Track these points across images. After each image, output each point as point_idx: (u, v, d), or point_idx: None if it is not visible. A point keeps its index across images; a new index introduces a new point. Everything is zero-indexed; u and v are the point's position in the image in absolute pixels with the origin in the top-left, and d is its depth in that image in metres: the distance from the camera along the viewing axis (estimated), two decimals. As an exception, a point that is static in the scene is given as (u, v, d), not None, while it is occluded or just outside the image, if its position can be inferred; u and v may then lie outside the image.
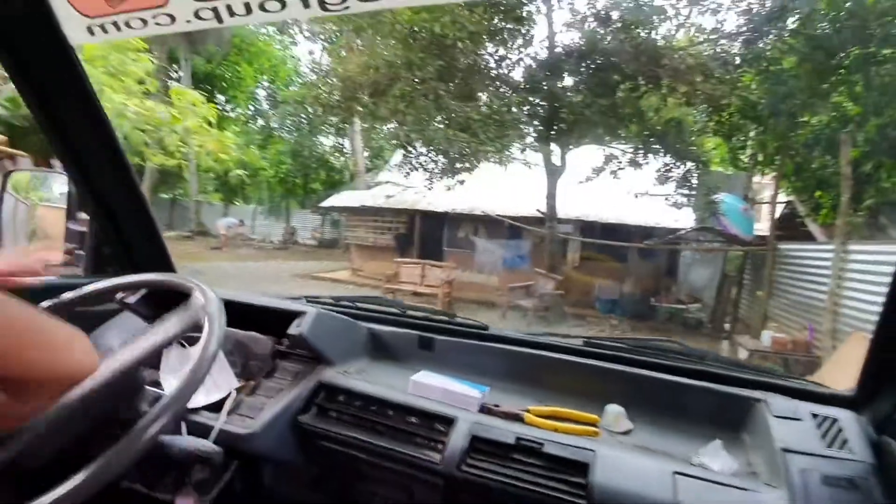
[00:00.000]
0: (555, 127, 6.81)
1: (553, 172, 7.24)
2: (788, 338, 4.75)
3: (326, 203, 11.98)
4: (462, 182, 7.56)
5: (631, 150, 7.01)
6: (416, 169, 7.68)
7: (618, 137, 7.25)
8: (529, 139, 7.44)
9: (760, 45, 5.83)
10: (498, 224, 8.59)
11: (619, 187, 7.35)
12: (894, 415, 0.65)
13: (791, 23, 5.52)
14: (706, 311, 7.12)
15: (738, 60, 6.01)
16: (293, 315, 0.97)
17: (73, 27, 0.84)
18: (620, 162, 7.10)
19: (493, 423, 0.77)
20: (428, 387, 0.86)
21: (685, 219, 7.23)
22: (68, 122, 0.88)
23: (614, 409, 0.80)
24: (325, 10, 0.74)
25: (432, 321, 1.14)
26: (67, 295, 0.71)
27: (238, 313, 0.98)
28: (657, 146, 6.65)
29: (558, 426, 0.77)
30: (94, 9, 0.83)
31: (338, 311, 1.14)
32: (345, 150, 16.72)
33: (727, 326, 6.57)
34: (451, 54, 6.36)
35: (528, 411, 0.81)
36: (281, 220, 17.57)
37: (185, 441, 0.75)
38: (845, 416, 0.70)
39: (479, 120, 6.33)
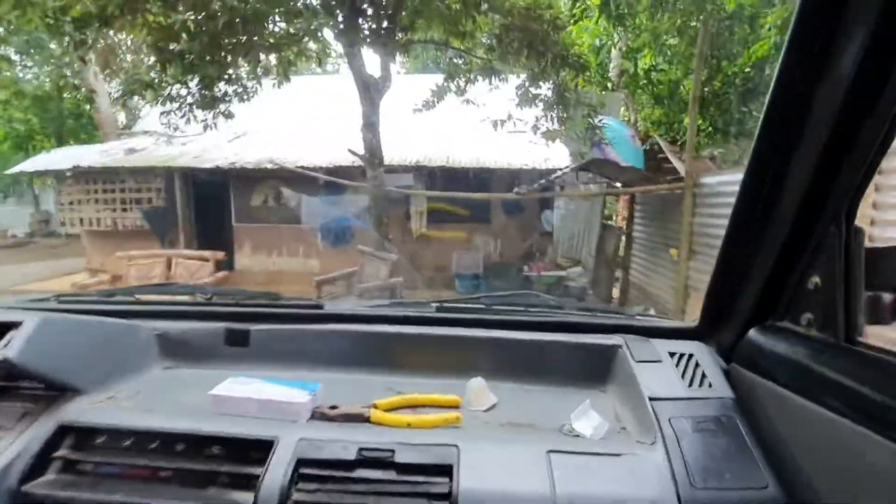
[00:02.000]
0: (364, 16, 5.59)
1: (371, 90, 5.77)
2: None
3: (23, 167, 8.66)
4: (229, 116, 6.17)
5: (481, 55, 6.13)
6: (171, 109, 6.31)
7: (461, 37, 6.10)
8: (324, 35, 6.07)
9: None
10: (307, 182, 7.06)
11: (472, 116, 6.45)
12: (738, 342, 0.76)
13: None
14: (588, 275, 6.59)
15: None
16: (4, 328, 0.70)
17: None
18: (469, 75, 6.27)
19: (328, 433, 0.69)
20: (235, 400, 0.73)
21: (558, 156, 6.93)
22: None
23: (476, 384, 0.80)
24: None
25: (247, 306, 0.97)
26: None
27: None
28: (515, 47, 5.71)
29: (412, 420, 0.73)
30: None
31: (98, 311, 0.89)
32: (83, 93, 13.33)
33: (616, 294, 6.33)
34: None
35: (374, 406, 0.73)
36: (25, 201, 14.08)
37: None
38: (698, 350, 0.81)
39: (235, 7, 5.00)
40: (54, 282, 7.14)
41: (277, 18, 6.06)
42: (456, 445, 0.66)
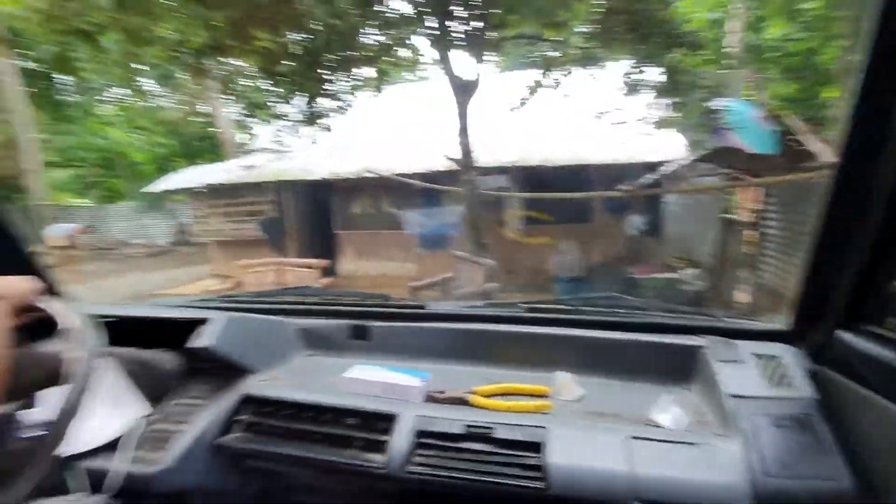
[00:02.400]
0: (456, 19, 5.64)
1: (462, 92, 5.91)
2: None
3: (157, 187, 10.41)
4: (328, 129, 6.78)
5: (579, 45, 5.72)
6: (279, 126, 7.06)
7: (556, 28, 5.88)
8: (416, 43, 6.27)
9: None
10: (403, 189, 7.40)
11: (570, 110, 6.41)
12: (828, 344, 0.78)
13: None
14: (705, 277, 6.17)
15: None
16: (197, 324, 0.99)
17: None
18: (566, 67, 6.00)
19: (439, 412, 0.87)
20: (364, 382, 0.94)
21: (670, 147, 6.41)
22: None
23: (563, 377, 0.92)
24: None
25: (366, 307, 1.20)
26: None
27: (138, 329, 0.99)
28: (618, 31, 5.39)
29: (507, 405, 0.87)
30: None
31: (258, 310, 1.17)
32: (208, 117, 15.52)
33: (741, 297, 5.69)
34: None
35: (474, 393, 0.89)
36: (166, 215, 16.71)
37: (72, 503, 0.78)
38: (784, 352, 0.85)
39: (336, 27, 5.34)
40: (189, 286, 8.41)
41: (371, 30, 6.57)
42: (545, 426, 0.79)
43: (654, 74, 5.74)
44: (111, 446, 0.88)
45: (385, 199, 8.37)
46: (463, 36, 5.85)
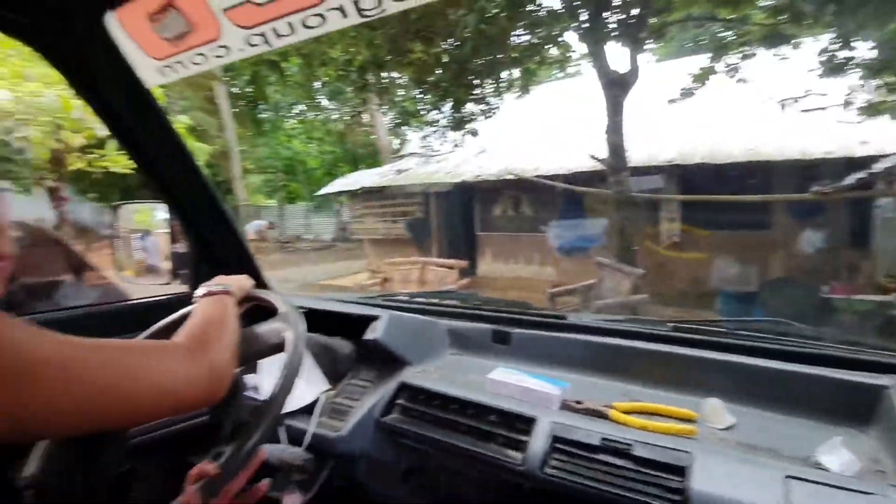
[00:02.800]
0: (611, 9, 5.31)
1: (615, 87, 5.55)
2: None
3: (327, 189, 12.25)
4: (475, 133, 7.04)
5: (761, 22, 5.09)
6: (429, 132, 7.53)
7: (732, 6, 5.17)
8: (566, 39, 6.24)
9: None
10: (545, 191, 7.30)
11: (745, 98, 5.69)
12: None
13: None
14: None
15: None
16: (369, 319, 1.20)
17: (146, 72, 1.13)
18: (743, 50, 5.34)
19: (576, 422, 0.92)
20: (505, 385, 1.04)
21: (887, 138, 5.24)
22: (159, 162, 1.20)
23: (713, 403, 0.89)
24: (363, 16, 0.90)
25: (506, 313, 1.30)
26: (181, 312, 1.01)
27: (321, 319, 1.24)
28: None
29: (648, 424, 0.88)
30: (161, 52, 1.11)
31: (412, 310, 1.35)
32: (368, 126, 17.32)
33: None
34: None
35: (612, 407, 0.93)
36: (331, 214, 19.14)
37: (280, 450, 1.03)
38: None
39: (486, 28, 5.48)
40: (345, 279, 9.52)
41: (520, 31, 6.70)
42: (689, 451, 0.78)
43: (865, 50, 4.85)
44: (304, 411, 1.13)
45: (525, 202, 8.50)
46: (619, 26, 5.63)
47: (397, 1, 0.87)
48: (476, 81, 7.04)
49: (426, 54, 6.66)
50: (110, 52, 1.06)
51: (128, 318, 1.29)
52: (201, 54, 1.08)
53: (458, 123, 7.46)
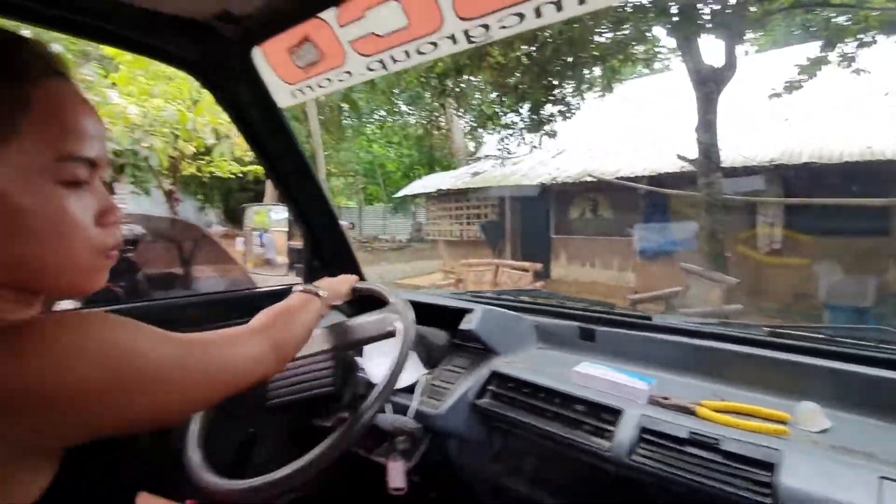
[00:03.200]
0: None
1: (708, 83, 5.30)
2: None
3: (404, 191, 12.68)
4: (553, 135, 6.90)
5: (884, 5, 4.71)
6: (506, 135, 7.39)
7: None
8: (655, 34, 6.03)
9: None
10: (626, 193, 7.08)
11: (864, 91, 5.33)
12: None
13: None
14: None
15: None
16: (463, 312, 1.32)
17: (280, 95, 1.34)
18: (863, 36, 4.93)
19: (663, 415, 0.97)
20: (593, 377, 1.11)
21: None
22: (285, 171, 1.41)
23: (807, 406, 0.90)
24: (471, 42, 1.03)
25: (592, 311, 1.36)
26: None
27: (418, 311, 1.38)
28: None
29: (738, 422, 0.91)
30: (294, 77, 1.31)
31: (500, 305, 1.46)
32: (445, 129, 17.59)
33: None
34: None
35: (701, 405, 0.97)
36: (408, 215, 19.78)
37: (393, 418, 1.18)
38: None
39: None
40: (419, 279, 9.76)
41: (603, 29, 6.56)
42: (779, 449, 0.80)
43: None
44: (405, 391, 1.28)
45: (604, 204, 8.30)
46: (714, 16, 5.36)
47: (504, 28, 0.98)
48: (555, 82, 7.02)
49: (504, 57, 6.76)
50: (254, 80, 1.28)
51: (250, 306, 1.53)
52: (328, 79, 1.26)
53: (535, 125, 7.47)
